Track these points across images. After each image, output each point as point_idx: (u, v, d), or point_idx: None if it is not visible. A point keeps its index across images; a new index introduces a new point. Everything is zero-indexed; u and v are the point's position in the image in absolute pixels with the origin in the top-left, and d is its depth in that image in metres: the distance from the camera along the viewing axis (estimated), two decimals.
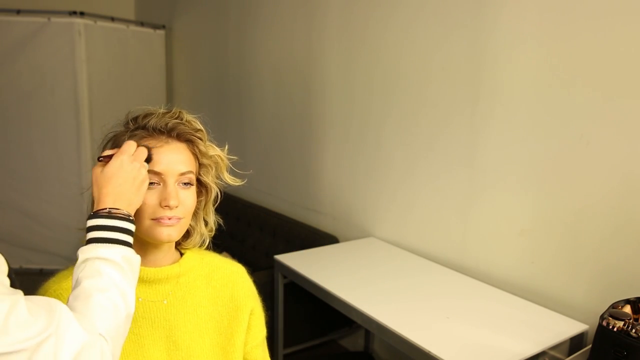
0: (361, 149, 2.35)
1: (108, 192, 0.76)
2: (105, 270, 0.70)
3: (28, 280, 0.90)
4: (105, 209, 0.75)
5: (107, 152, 0.82)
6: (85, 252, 0.72)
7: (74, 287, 0.69)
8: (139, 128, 0.86)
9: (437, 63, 1.94)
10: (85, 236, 0.74)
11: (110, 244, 0.72)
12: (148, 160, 0.82)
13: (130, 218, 0.76)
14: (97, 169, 0.80)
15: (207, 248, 1.01)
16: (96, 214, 0.75)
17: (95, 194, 0.78)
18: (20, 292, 0.61)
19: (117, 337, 0.67)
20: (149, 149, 0.83)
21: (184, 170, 0.85)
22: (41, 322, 0.58)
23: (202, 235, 0.97)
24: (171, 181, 0.84)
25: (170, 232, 0.84)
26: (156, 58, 3.95)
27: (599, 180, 1.49)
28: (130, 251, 0.74)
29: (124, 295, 0.70)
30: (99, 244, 0.72)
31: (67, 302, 0.67)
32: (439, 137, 1.97)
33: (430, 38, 1.96)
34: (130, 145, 0.81)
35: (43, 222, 3.41)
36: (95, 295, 0.67)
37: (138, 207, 0.80)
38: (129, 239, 0.75)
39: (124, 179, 0.77)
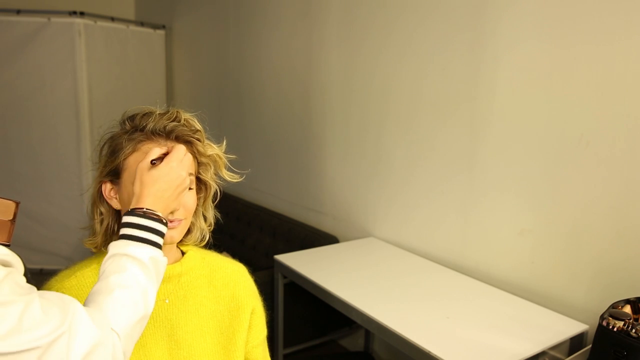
0: (361, 148, 2.35)
1: (150, 193, 0.77)
2: (131, 268, 0.71)
3: (27, 280, 0.90)
4: (142, 208, 0.76)
5: (157, 154, 0.82)
6: (115, 247, 0.73)
7: (100, 279, 0.71)
8: (137, 130, 0.86)
9: (437, 63, 1.94)
10: (118, 231, 0.76)
11: (140, 243, 0.74)
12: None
13: (164, 221, 0.77)
14: (145, 165, 0.80)
15: (208, 247, 1.01)
16: (132, 212, 0.76)
17: (137, 190, 0.78)
18: (34, 290, 0.61)
19: (131, 335, 0.68)
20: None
21: None
22: (55, 320, 0.58)
23: (202, 230, 0.98)
24: None
25: (173, 234, 0.85)
26: (156, 58, 3.94)
27: (599, 180, 1.49)
28: (158, 252, 0.75)
29: (145, 295, 0.71)
30: (130, 242, 0.73)
31: (87, 295, 0.69)
32: (439, 137, 1.97)
33: (430, 39, 1.96)
34: (180, 151, 0.82)
35: (43, 222, 3.40)
36: (116, 290, 0.68)
37: (174, 210, 0.82)
38: (160, 240, 0.76)
39: (168, 185, 0.79)
